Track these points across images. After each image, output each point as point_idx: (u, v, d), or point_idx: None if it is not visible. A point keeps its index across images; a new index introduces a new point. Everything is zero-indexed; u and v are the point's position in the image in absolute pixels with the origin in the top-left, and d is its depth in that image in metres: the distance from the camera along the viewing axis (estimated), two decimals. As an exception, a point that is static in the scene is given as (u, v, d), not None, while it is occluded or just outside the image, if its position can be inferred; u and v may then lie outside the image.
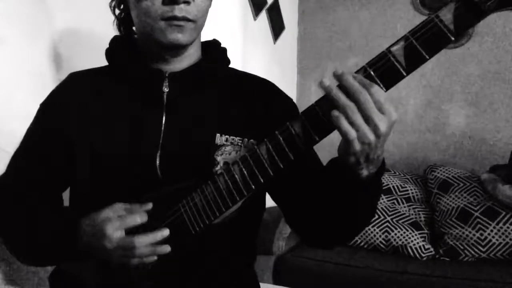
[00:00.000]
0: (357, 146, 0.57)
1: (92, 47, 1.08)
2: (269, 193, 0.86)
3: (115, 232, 0.66)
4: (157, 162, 0.76)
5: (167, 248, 0.68)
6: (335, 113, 0.56)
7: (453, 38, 0.53)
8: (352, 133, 0.56)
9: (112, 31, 0.88)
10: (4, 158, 0.86)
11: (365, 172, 0.62)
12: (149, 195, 0.72)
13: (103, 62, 0.85)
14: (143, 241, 0.66)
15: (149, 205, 0.70)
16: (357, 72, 0.58)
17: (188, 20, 0.73)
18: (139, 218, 0.68)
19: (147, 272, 0.72)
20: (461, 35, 0.54)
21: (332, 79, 0.59)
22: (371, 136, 0.56)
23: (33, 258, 0.81)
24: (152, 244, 0.67)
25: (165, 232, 0.68)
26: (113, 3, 0.85)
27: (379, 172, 0.65)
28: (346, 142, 0.58)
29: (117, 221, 0.67)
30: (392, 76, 0.56)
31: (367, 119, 0.56)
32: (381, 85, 0.56)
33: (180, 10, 0.71)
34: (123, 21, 0.86)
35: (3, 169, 0.86)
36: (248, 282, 0.88)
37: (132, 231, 0.68)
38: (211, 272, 0.79)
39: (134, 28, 0.84)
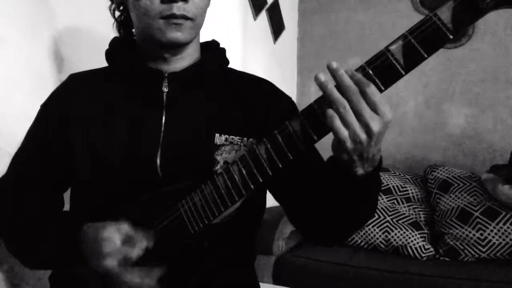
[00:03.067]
0: (349, 144, 0.57)
1: (92, 47, 1.08)
2: (270, 191, 0.86)
3: (110, 258, 0.66)
4: (158, 161, 0.76)
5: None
6: (330, 112, 0.57)
7: (451, 37, 0.53)
8: (343, 132, 0.56)
9: (112, 31, 0.88)
10: (4, 158, 0.86)
11: (360, 170, 0.62)
12: (149, 195, 0.72)
13: (103, 62, 0.86)
14: (132, 277, 0.67)
15: (150, 244, 0.69)
16: (355, 71, 0.58)
17: (186, 18, 0.73)
18: (135, 253, 0.67)
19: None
20: (459, 34, 0.54)
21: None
22: (362, 135, 0.56)
23: (33, 261, 0.81)
24: (142, 280, 0.67)
25: (160, 272, 0.68)
26: (113, 6, 0.85)
27: (376, 170, 0.65)
28: (337, 140, 0.58)
29: (115, 247, 0.66)
30: (391, 75, 0.56)
31: (359, 118, 0.56)
32: (380, 84, 0.56)
33: (178, 8, 0.72)
34: (122, 23, 0.87)
35: (3, 169, 0.86)
36: (248, 282, 0.88)
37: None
38: (211, 272, 0.79)
39: (133, 30, 0.84)
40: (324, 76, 0.58)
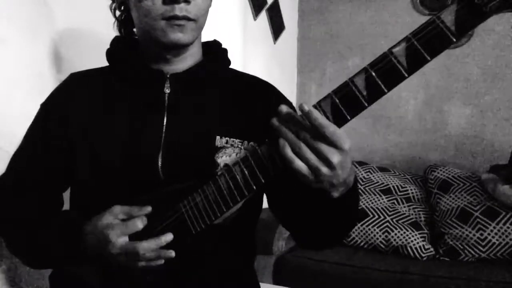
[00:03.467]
0: (313, 178, 0.58)
1: (92, 47, 1.08)
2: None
3: (118, 238, 0.67)
4: (159, 162, 0.76)
5: (171, 253, 0.68)
6: (288, 155, 0.58)
7: (454, 40, 0.53)
8: (303, 169, 0.57)
9: (113, 31, 0.88)
10: (4, 158, 0.86)
11: (335, 194, 0.63)
12: (150, 195, 0.72)
13: (104, 62, 0.85)
14: (147, 247, 0.67)
15: (148, 208, 0.70)
16: (358, 73, 0.58)
17: (188, 19, 0.73)
18: (140, 223, 0.68)
19: (148, 271, 0.72)
20: (462, 37, 0.53)
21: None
22: (324, 169, 0.57)
23: (34, 260, 0.81)
24: (155, 249, 0.68)
25: (169, 237, 0.68)
26: (113, 5, 0.85)
27: (352, 189, 0.65)
28: (300, 177, 0.59)
29: (119, 227, 0.67)
30: (394, 77, 0.56)
31: (318, 155, 0.57)
32: (382, 86, 0.56)
33: (180, 9, 0.72)
34: (123, 23, 0.86)
35: (3, 169, 0.86)
36: (248, 282, 0.88)
37: (136, 234, 0.68)
38: (211, 272, 0.79)
39: (134, 29, 0.84)
40: (277, 121, 0.59)
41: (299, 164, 0.57)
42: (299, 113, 0.59)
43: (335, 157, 0.57)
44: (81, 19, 1.19)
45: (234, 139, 0.78)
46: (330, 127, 0.56)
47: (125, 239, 0.67)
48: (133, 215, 0.69)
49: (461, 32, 0.52)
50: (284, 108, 0.59)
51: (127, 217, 0.69)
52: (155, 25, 0.73)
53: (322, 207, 0.67)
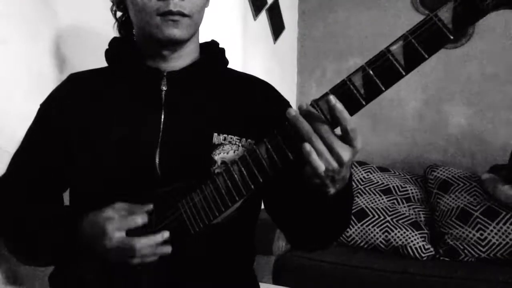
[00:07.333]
0: (323, 173, 0.59)
1: (93, 47, 1.08)
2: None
3: (116, 232, 0.66)
4: (157, 160, 0.76)
5: (168, 249, 0.68)
6: (307, 147, 0.58)
7: (452, 37, 0.53)
8: (322, 167, 0.58)
9: (113, 31, 0.89)
10: (4, 158, 0.87)
11: (332, 190, 0.64)
12: (149, 194, 0.73)
13: (104, 62, 0.86)
14: (143, 243, 0.66)
15: (150, 206, 0.70)
16: (355, 71, 0.58)
17: (183, 15, 0.74)
18: (140, 219, 0.68)
19: (147, 271, 0.72)
20: (460, 34, 0.54)
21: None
22: (334, 165, 0.58)
23: (33, 258, 0.81)
24: (152, 245, 0.67)
25: (166, 234, 0.68)
26: (114, 7, 0.86)
27: (347, 187, 0.66)
28: (314, 172, 0.59)
29: (118, 221, 0.67)
30: (391, 76, 0.56)
31: (330, 149, 0.58)
32: (380, 85, 0.56)
33: (174, 5, 0.72)
34: (123, 24, 0.87)
35: (3, 169, 0.86)
36: (248, 282, 0.88)
37: (133, 231, 0.68)
38: (211, 271, 0.79)
39: (134, 31, 0.84)
40: (294, 111, 0.59)
41: (318, 163, 0.58)
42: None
43: (347, 154, 0.57)
44: (82, 19, 1.19)
45: (232, 136, 0.78)
46: (351, 123, 0.57)
47: (122, 233, 0.67)
48: (134, 212, 0.69)
49: (459, 30, 0.52)
50: (304, 105, 0.60)
51: (128, 213, 0.69)
52: (151, 21, 0.74)
53: (318, 204, 0.67)
